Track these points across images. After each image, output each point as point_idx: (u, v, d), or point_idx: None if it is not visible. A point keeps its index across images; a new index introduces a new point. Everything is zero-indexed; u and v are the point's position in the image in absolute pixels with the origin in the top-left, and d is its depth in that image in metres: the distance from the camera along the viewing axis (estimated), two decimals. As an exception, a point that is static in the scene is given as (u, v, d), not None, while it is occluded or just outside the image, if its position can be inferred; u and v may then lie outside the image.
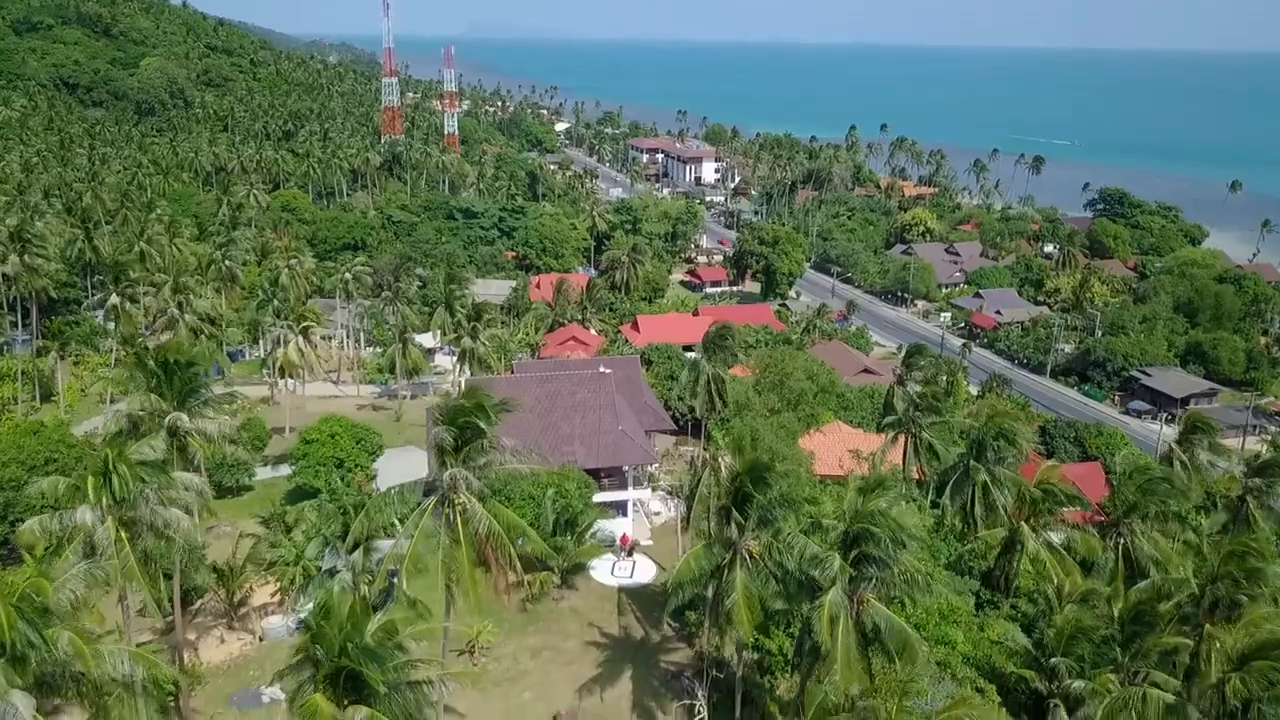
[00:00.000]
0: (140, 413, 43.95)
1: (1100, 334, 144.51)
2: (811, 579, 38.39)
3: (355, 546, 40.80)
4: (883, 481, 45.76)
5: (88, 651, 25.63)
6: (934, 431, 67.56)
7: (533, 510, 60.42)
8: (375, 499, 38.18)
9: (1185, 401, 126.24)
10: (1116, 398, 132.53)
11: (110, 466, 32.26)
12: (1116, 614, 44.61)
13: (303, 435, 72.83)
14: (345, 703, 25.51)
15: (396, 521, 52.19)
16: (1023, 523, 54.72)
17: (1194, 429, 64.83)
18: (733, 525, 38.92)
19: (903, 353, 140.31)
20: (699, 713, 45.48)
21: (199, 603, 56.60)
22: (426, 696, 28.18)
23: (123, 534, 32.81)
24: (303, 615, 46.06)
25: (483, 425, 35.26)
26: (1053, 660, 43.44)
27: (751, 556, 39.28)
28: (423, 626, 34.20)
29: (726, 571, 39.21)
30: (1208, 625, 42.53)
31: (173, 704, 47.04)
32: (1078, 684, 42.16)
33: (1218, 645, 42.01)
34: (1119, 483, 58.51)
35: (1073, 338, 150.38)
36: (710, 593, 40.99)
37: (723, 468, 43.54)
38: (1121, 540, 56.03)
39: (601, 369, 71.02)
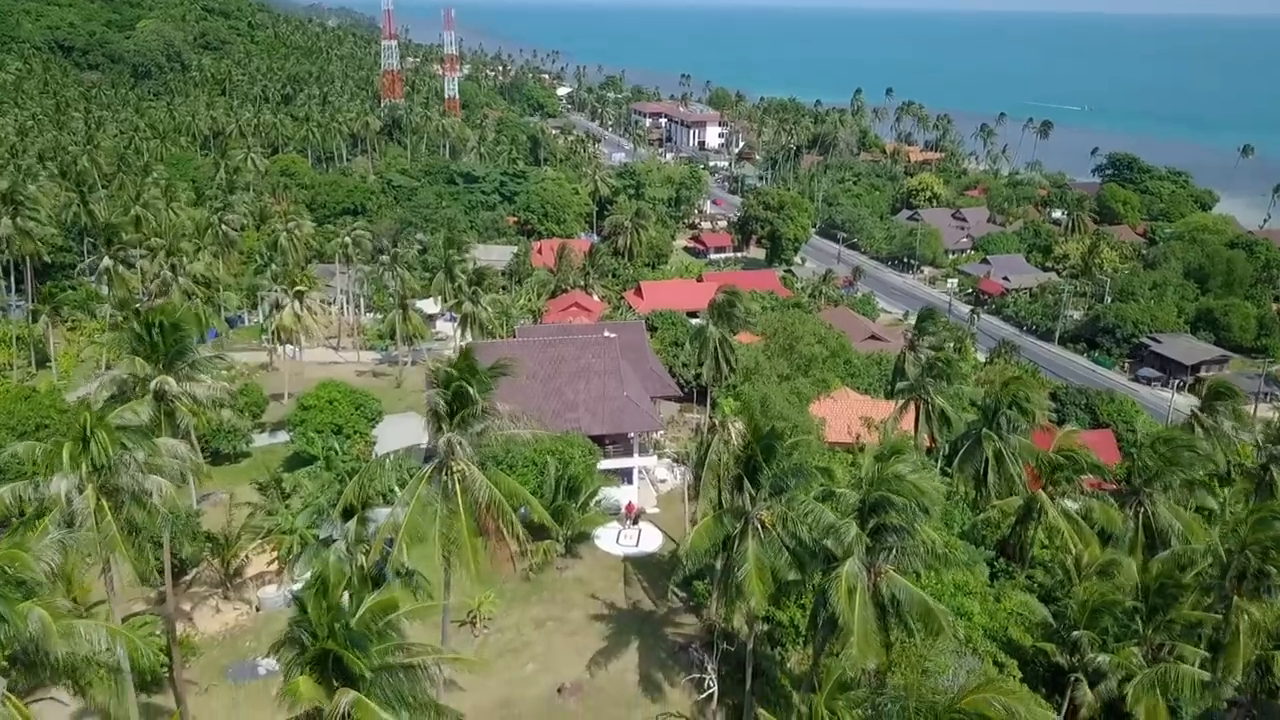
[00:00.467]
0: (130, 377, 42.19)
1: (1110, 300, 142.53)
2: (826, 549, 36.89)
3: (350, 515, 39.24)
4: (900, 447, 44.22)
5: (55, 629, 24.08)
6: (946, 398, 65.86)
7: (535, 477, 58.95)
8: (368, 466, 36.62)
9: (1196, 368, 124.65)
10: (1126, 364, 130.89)
11: (88, 432, 30.61)
12: (1139, 585, 43.20)
13: (300, 401, 71.24)
14: (335, 684, 24.07)
15: (396, 489, 50.82)
16: (1040, 490, 53.11)
17: (1217, 395, 63.01)
18: (745, 494, 37.29)
19: (909, 318, 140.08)
20: (709, 686, 44.11)
21: (194, 572, 55.20)
22: (418, 679, 26.68)
23: (104, 503, 31.22)
24: (298, 585, 44.56)
25: (475, 390, 33.43)
26: (1075, 634, 41.91)
27: (764, 526, 37.67)
28: (417, 606, 32.69)
29: (738, 542, 37.62)
30: (1236, 597, 41.10)
31: (167, 675, 45.88)
32: (1102, 658, 40.71)
33: (1246, 618, 40.63)
34: (1140, 450, 56.83)
35: (1081, 304, 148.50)
36: (721, 564, 39.45)
37: (734, 435, 41.88)
38: (1142, 509, 54.47)
39: (606, 333, 69.21)
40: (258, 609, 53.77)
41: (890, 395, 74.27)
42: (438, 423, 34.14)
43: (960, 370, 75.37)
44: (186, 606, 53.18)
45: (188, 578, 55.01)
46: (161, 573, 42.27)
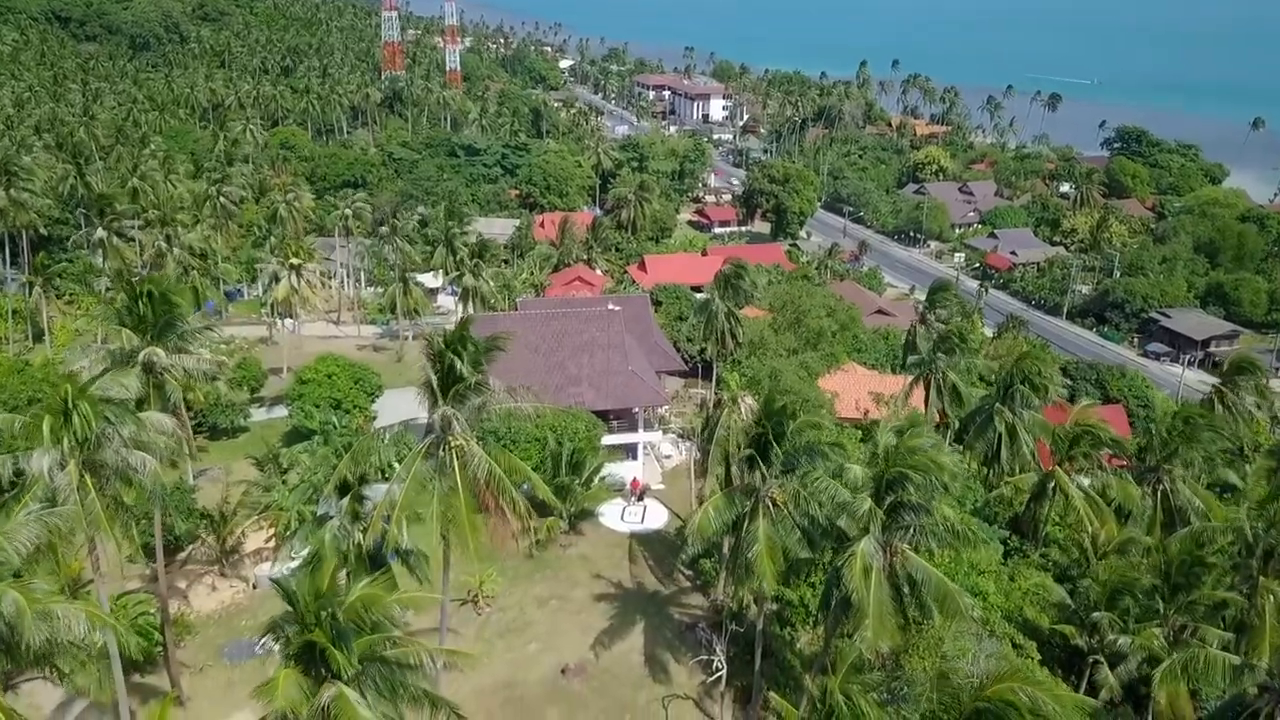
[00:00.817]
0: (118, 349, 40.72)
1: (1119, 274, 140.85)
2: (839, 528, 35.59)
3: (345, 491, 37.92)
4: (917, 422, 42.88)
5: (30, 613, 22.78)
6: (958, 373, 64.38)
7: (538, 453, 57.66)
8: (361, 440, 35.11)
9: (1206, 343, 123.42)
10: (1134, 339, 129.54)
11: (70, 404, 29.21)
12: (1160, 564, 41.96)
13: (298, 375, 69.85)
14: (324, 675, 22.82)
15: (395, 464, 49.49)
16: (1057, 467, 51.76)
17: (1239, 370, 61.53)
18: (755, 472, 35.90)
19: (915, 293, 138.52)
20: (717, 667, 42.87)
21: (189, 550, 53.99)
22: (411, 670, 25.37)
23: (87, 479, 29.88)
24: (295, 564, 43.26)
25: (466, 362, 31.85)
26: (1095, 615, 40.67)
27: (775, 504, 36.32)
28: (408, 594, 31.44)
29: (749, 521, 36.29)
30: (1262, 578, 39.84)
31: (161, 655, 44.77)
32: (1123, 640, 39.48)
33: (1273, 599, 39.40)
34: (1159, 426, 55.49)
35: (1090, 279, 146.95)
36: (731, 543, 38.15)
37: (744, 410, 40.47)
38: (1161, 487, 53.22)
39: (610, 306, 67.69)
40: (254, 587, 52.58)
41: (902, 369, 72.83)
42: (432, 397, 32.68)
43: (972, 344, 73.81)
44: (182, 584, 52.05)
45: (183, 555, 53.83)
46: (151, 551, 40.97)
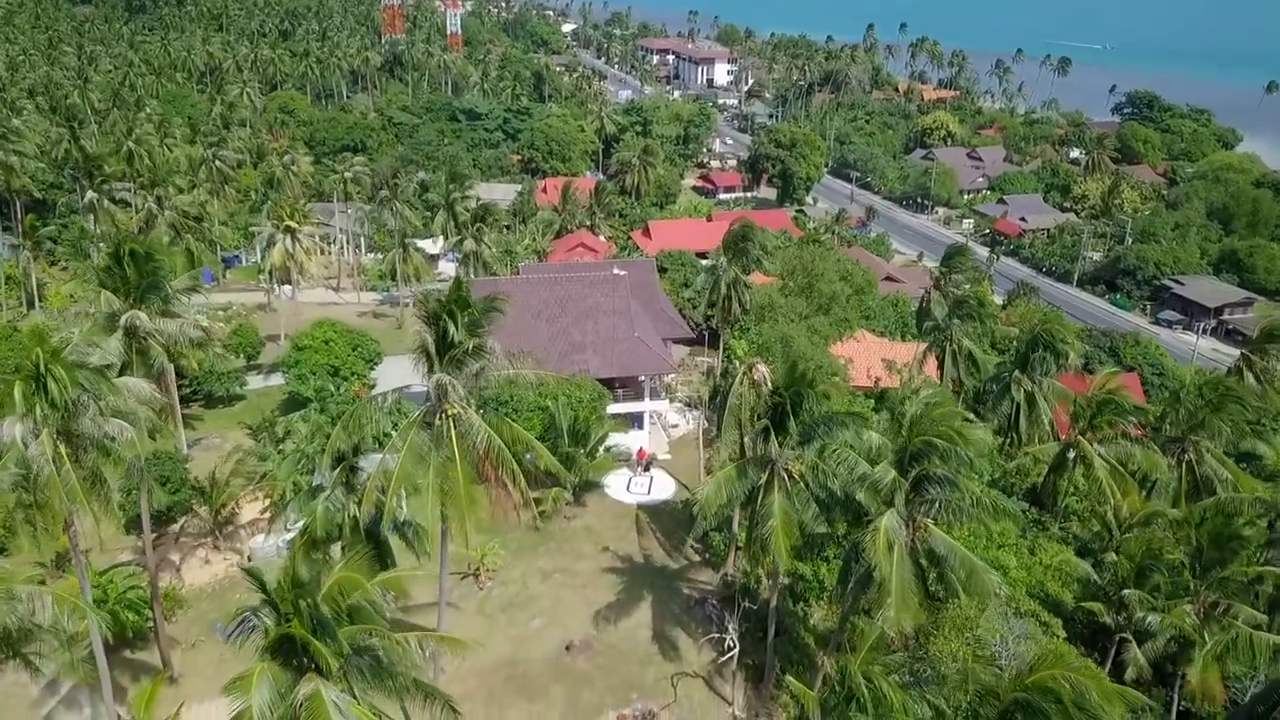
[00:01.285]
0: (102, 312, 38.76)
1: (1130, 241, 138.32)
2: (858, 501, 33.80)
3: (340, 461, 36.18)
4: (939, 391, 41.08)
5: (-11, 595, 21.12)
6: (973, 340, 62.39)
7: (541, 422, 55.88)
8: (355, 408, 33.17)
9: (1219, 311, 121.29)
10: (1146, 307, 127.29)
11: (43, 370, 27.36)
12: (1191, 538, 40.22)
13: (294, 341, 68.05)
14: (308, 667, 21.13)
15: (392, 433, 47.64)
16: (1079, 436, 49.89)
17: (1270, 338, 59.45)
18: (771, 443, 34.04)
19: (923, 260, 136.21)
20: (729, 646, 41.20)
21: (181, 521, 52.36)
22: (400, 659, 23.65)
23: (62, 449, 28.10)
24: (290, 535, 41.65)
25: (461, 325, 29.84)
26: (1125, 592, 38.90)
27: (790, 476, 34.51)
28: (394, 574, 29.78)
29: (762, 494, 34.51)
30: (1300, 552, 38.17)
31: (151, 630, 43.28)
32: (1153, 618, 37.76)
33: (1311, 575, 37.74)
34: (1185, 395, 53.53)
35: (1101, 245, 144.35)
36: (745, 517, 36.36)
37: (759, 378, 38.55)
38: (1187, 457, 51.38)
39: (615, 271, 65.61)
40: (250, 559, 51.00)
41: (915, 336, 70.75)
42: (428, 362, 30.70)
43: (991, 310, 71.71)
44: (175, 557, 50.49)
45: (175, 527, 52.21)
46: (130, 524, 39.20)
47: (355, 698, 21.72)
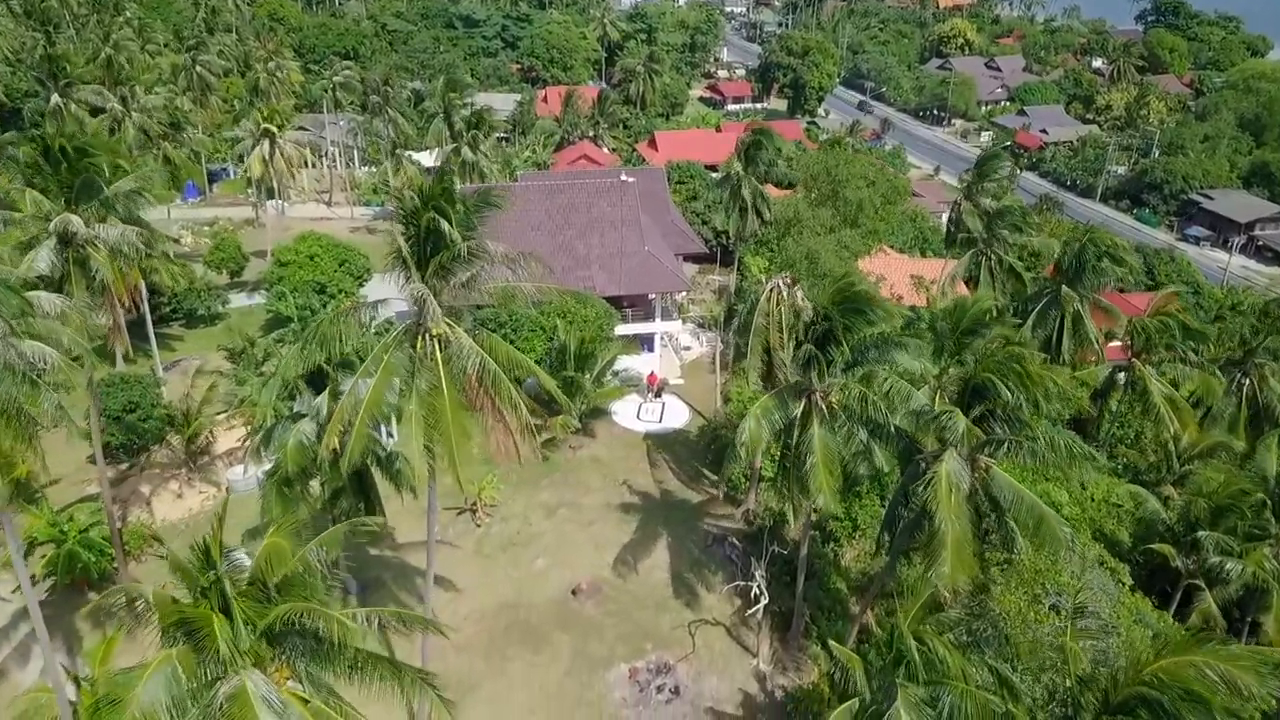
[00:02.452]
0: (26, 215, 33.75)
1: (1157, 154, 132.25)
2: (910, 438, 29.39)
3: (319, 385, 31.81)
4: (985, 308, 36.52)
5: None
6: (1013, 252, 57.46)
7: (543, 344, 51.32)
8: (323, 321, 28.33)
9: (1250, 226, 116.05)
10: (1173, 223, 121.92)
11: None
12: (1275, 474, 36.05)
13: (277, 256, 63.24)
14: (231, 655, 17.08)
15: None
16: (1135, 359, 45.41)
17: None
18: (813, 372, 29.43)
19: (940, 174, 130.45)
20: (757, 595, 37.04)
21: (150, 452, 48.14)
22: (352, 640, 19.66)
23: (-30, 377, 23.65)
24: (268, 466, 37.41)
25: (454, 225, 24.87)
26: (1200, 534, 34.74)
27: (830, 409, 30.01)
28: (347, 525, 25.71)
29: (800, 428, 30.05)
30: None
31: (114, 570, 39.40)
32: (1232, 564, 33.67)
33: None
34: (1245, 316, 49.01)
35: (1125, 159, 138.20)
36: (779, 454, 31.91)
37: (792, 297, 33.80)
38: (1247, 382, 46.99)
39: (624, 178, 60.30)
40: (228, 492, 46.93)
41: (945, 251, 65.70)
42: (406, 270, 25.77)
43: (1032, 220, 66.49)
44: (145, 490, 46.40)
45: (145, 458, 48.01)
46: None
47: (302, 685, 17.90)
